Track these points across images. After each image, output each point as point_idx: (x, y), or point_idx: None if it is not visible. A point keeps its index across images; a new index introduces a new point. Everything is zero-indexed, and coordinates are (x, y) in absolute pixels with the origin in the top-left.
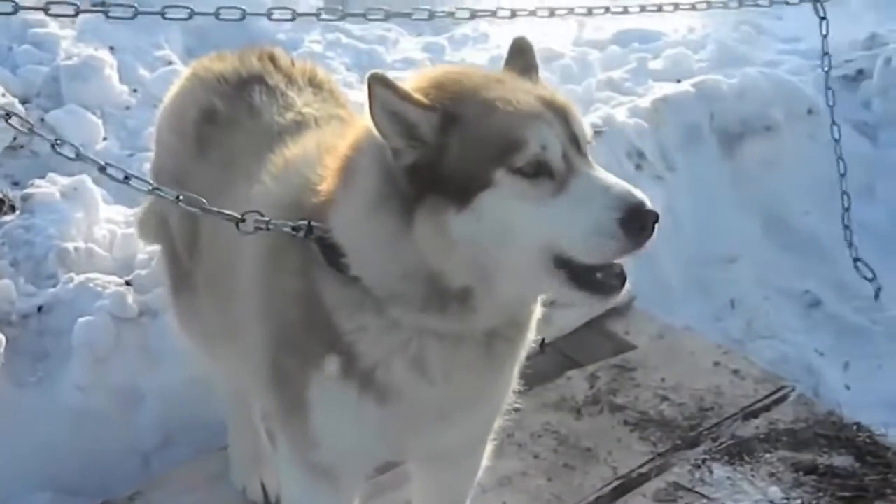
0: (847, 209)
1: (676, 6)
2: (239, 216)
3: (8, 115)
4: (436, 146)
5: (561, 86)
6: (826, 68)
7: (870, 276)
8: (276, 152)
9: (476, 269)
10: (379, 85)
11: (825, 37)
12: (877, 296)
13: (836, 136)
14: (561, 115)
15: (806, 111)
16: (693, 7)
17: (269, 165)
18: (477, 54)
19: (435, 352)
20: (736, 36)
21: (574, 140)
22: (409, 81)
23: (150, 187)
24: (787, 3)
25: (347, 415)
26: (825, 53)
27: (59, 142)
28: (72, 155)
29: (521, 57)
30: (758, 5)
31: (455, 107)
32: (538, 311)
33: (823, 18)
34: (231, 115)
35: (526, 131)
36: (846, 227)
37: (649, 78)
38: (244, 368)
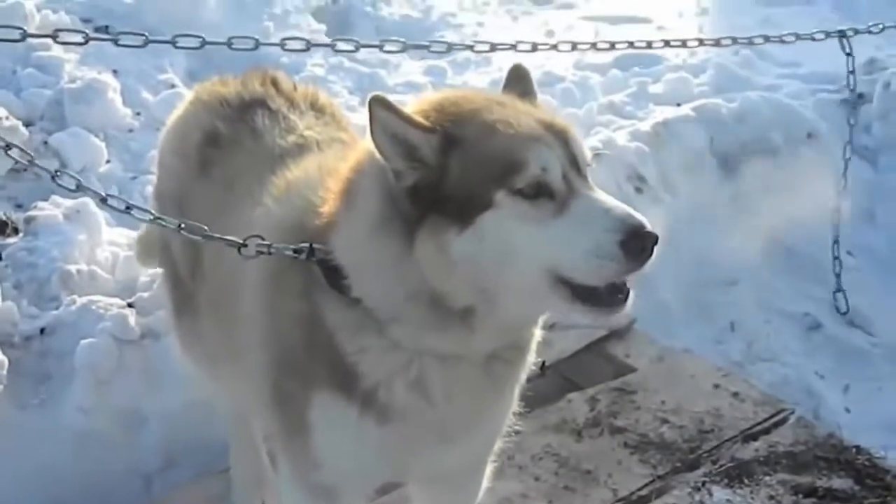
0: (836, 242)
1: (701, 42)
2: (240, 241)
3: (8, 147)
4: (437, 167)
5: (562, 109)
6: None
7: (844, 310)
8: (278, 174)
9: (477, 288)
10: (379, 107)
11: (851, 72)
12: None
13: (844, 171)
14: (561, 137)
15: (805, 135)
16: (717, 43)
17: (271, 188)
18: (479, 77)
19: (436, 373)
20: (736, 60)
21: (574, 162)
22: (411, 105)
23: (152, 217)
24: (813, 40)
25: (348, 436)
26: (852, 90)
27: (59, 172)
28: (72, 186)
29: (519, 83)
30: (783, 42)
31: (455, 129)
32: (538, 333)
33: (849, 55)
34: (233, 138)
35: (526, 153)
36: (836, 258)
37: (650, 102)
38: (246, 390)
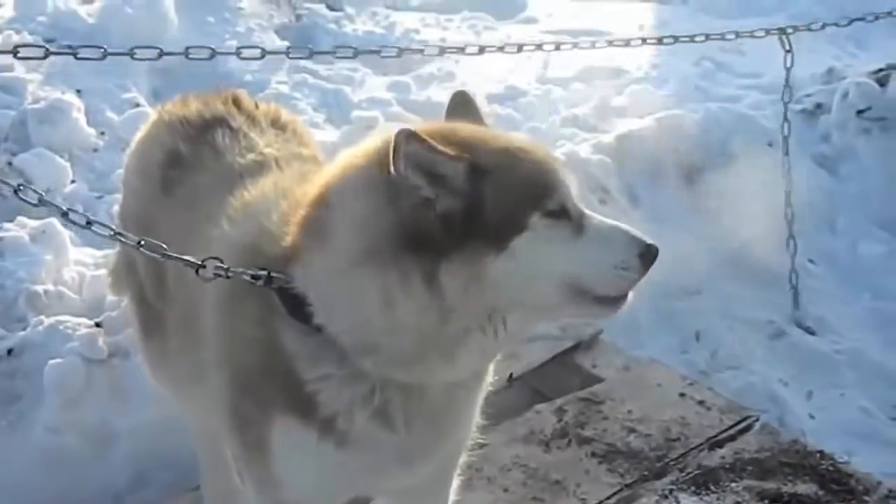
0: (794, 255)
1: (643, 41)
2: (198, 262)
3: None
4: (466, 194)
5: (525, 123)
6: (786, 100)
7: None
8: (235, 195)
9: (490, 309)
10: (410, 141)
11: (789, 69)
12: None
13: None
14: (561, 162)
15: (766, 144)
16: (659, 41)
17: (228, 208)
18: (443, 93)
19: (398, 401)
20: (697, 72)
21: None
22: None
23: (112, 232)
24: (753, 37)
25: (308, 458)
26: (786, 85)
27: (21, 187)
28: (34, 201)
29: (465, 109)
30: (723, 38)
31: (478, 157)
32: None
33: (789, 51)
34: (194, 158)
35: (554, 177)
36: (793, 272)
37: (612, 114)
38: (211, 409)
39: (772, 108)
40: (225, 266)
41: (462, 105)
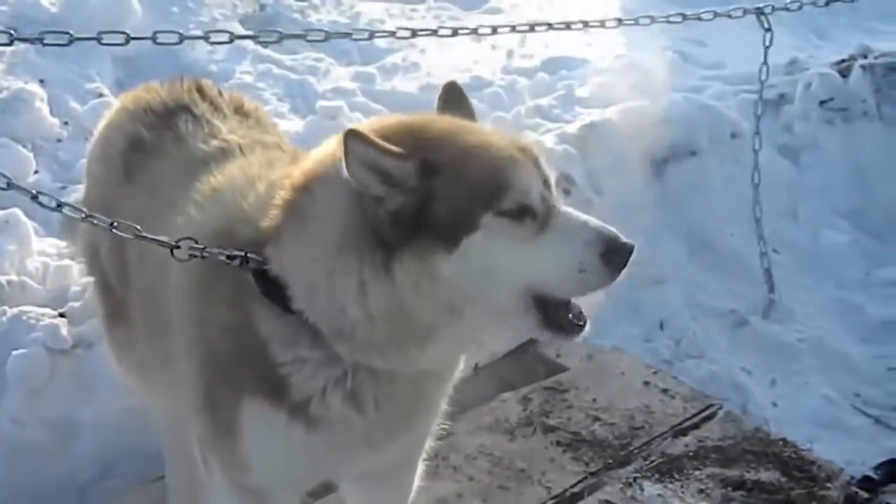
0: (762, 237)
1: (620, 21)
2: (173, 243)
3: None
4: (417, 193)
5: (490, 113)
6: (764, 79)
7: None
8: (201, 180)
9: (451, 309)
10: (355, 142)
11: (768, 47)
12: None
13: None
14: (532, 158)
15: (729, 135)
16: (636, 22)
17: (194, 194)
18: (407, 83)
19: (369, 387)
20: (661, 62)
21: (546, 181)
22: (372, 129)
23: (84, 214)
24: (730, 17)
25: (276, 441)
26: (764, 62)
27: None
28: (3, 185)
29: (457, 102)
30: (700, 19)
31: (433, 154)
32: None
33: (768, 30)
34: (157, 145)
35: (509, 175)
36: (763, 255)
37: (577, 105)
38: (178, 396)
39: (734, 98)
40: (201, 246)
41: (453, 97)
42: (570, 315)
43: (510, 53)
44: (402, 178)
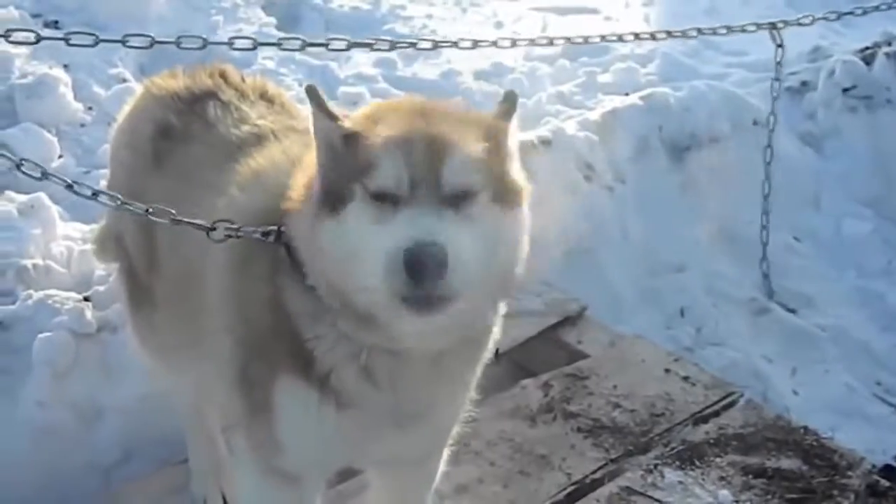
0: (765, 226)
1: (636, 36)
2: (208, 225)
3: None
4: (341, 159)
5: None
6: (775, 95)
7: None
8: (242, 163)
9: (335, 288)
10: (313, 99)
11: (779, 63)
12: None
13: (768, 159)
14: (431, 152)
15: (751, 122)
16: (652, 37)
17: (235, 176)
18: (428, 69)
19: (383, 364)
20: (683, 49)
21: (433, 177)
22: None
23: (119, 202)
24: (745, 32)
25: (310, 419)
26: (776, 79)
27: (24, 161)
28: (37, 174)
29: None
30: (715, 33)
31: (361, 128)
32: (496, 331)
33: (780, 46)
34: (186, 130)
35: (381, 158)
36: (764, 228)
37: (598, 91)
38: (209, 378)
39: (757, 85)
40: (235, 226)
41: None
42: (427, 293)
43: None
44: (334, 142)
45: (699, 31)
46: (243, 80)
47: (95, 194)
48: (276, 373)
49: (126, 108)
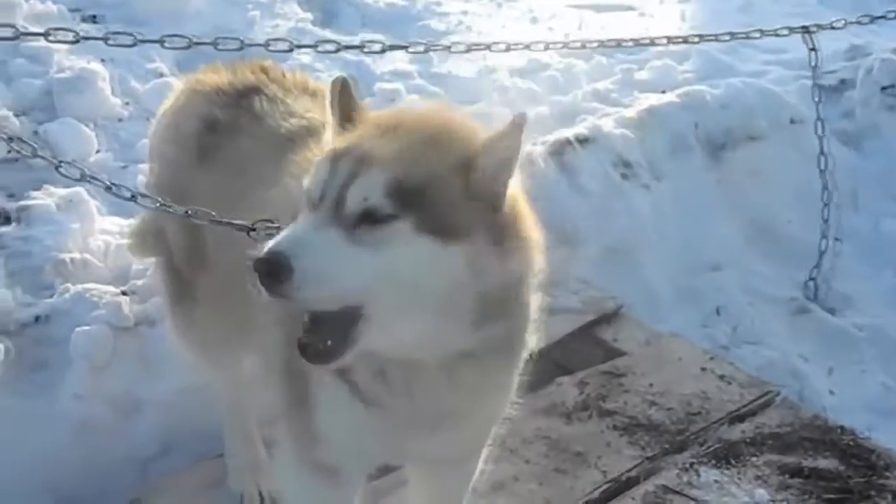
0: (826, 220)
1: (669, 40)
2: (249, 226)
3: (10, 139)
4: None
5: (547, 96)
6: (817, 100)
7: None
8: (295, 155)
9: None
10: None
11: (815, 67)
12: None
13: (823, 165)
14: (349, 170)
15: (789, 121)
16: (685, 41)
17: (290, 168)
18: (464, 66)
19: (396, 368)
20: (720, 47)
21: (339, 196)
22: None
23: (159, 204)
24: (778, 35)
25: (343, 413)
26: (815, 84)
27: (62, 163)
28: (76, 176)
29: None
30: (748, 37)
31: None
32: (532, 339)
33: (812, 49)
34: (232, 124)
35: (315, 166)
36: (823, 237)
37: (635, 89)
38: (254, 372)
39: (795, 83)
40: (276, 225)
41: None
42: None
43: (567, 36)
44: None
45: (732, 35)
46: (284, 75)
47: (134, 197)
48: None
49: (168, 104)
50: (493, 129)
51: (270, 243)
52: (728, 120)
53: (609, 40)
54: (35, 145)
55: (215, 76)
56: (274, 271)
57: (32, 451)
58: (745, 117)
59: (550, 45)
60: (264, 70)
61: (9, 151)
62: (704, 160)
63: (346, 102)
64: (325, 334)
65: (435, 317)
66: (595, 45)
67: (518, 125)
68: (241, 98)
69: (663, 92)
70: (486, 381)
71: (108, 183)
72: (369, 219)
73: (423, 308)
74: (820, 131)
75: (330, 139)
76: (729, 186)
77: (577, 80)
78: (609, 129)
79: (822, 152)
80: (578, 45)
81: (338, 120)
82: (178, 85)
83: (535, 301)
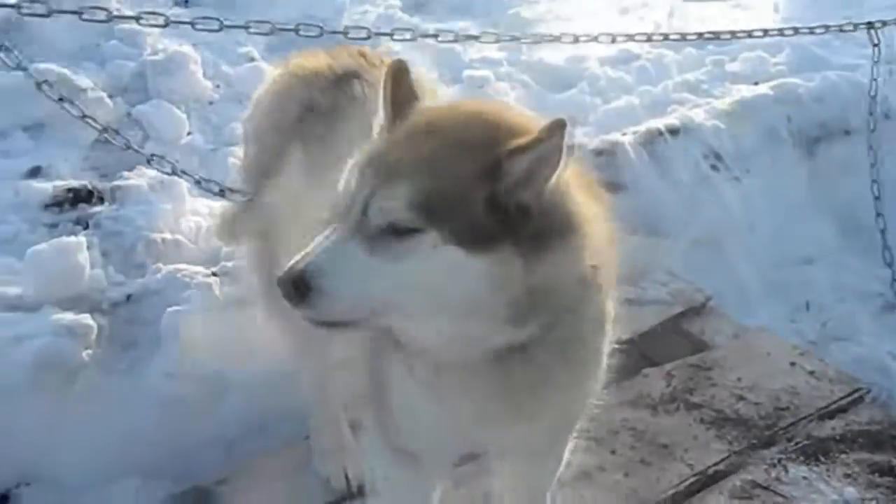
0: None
1: (733, 34)
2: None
3: (105, 130)
4: None
5: (637, 87)
6: (873, 93)
7: None
8: None
9: None
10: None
11: (876, 63)
12: None
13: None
14: (374, 181)
15: (883, 115)
16: (749, 35)
17: None
18: (554, 54)
19: (449, 366)
20: (814, 39)
21: (363, 208)
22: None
23: (247, 197)
24: (842, 31)
25: (413, 403)
26: (873, 79)
27: (154, 156)
28: (167, 170)
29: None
30: (813, 33)
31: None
32: (594, 334)
33: (876, 45)
34: (333, 108)
35: (346, 173)
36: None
37: (726, 80)
38: (340, 356)
39: (891, 77)
40: None
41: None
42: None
43: (658, 26)
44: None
45: (795, 30)
46: (382, 60)
47: (223, 191)
48: (391, 357)
49: (266, 88)
50: (533, 131)
51: (294, 259)
52: (821, 113)
53: (707, 32)
54: (128, 139)
55: (314, 60)
56: (296, 290)
57: (121, 428)
58: (838, 111)
59: (652, 37)
60: (363, 55)
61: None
62: (796, 154)
63: (400, 91)
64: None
65: (460, 320)
66: (694, 37)
67: (553, 130)
68: (341, 82)
69: (756, 84)
70: (541, 377)
71: (197, 177)
72: (392, 231)
73: (447, 314)
74: (872, 126)
75: (374, 134)
76: (821, 181)
77: (667, 70)
78: (700, 120)
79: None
80: (677, 36)
81: (389, 112)
82: (276, 69)
83: (598, 297)
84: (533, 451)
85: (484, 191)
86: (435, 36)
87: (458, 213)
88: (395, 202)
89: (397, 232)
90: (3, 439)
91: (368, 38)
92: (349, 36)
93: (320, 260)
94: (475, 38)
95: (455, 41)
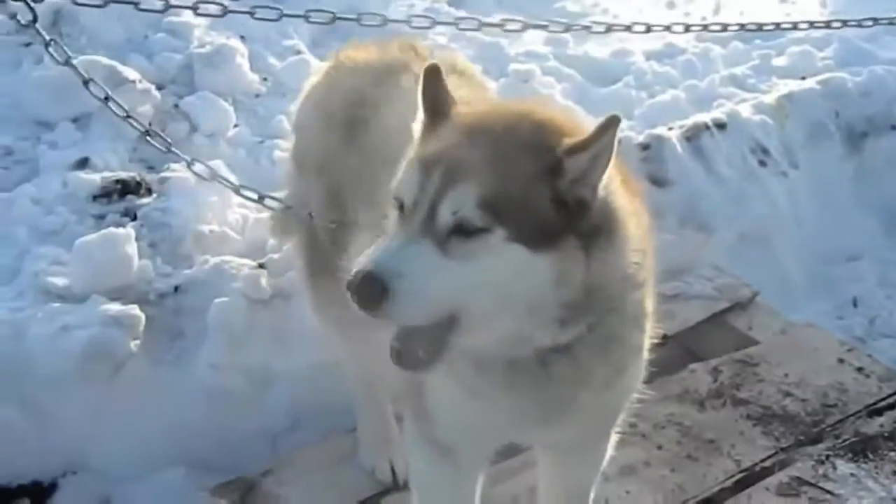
0: None
1: (777, 26)
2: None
3: (147, 133)
4: None
5: (683, 81)
6: None
7: None
8: None
9: None
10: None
11: None
12: None
13: None
14: (440, 181)
15: None
16: (794, 27)
17: None
18: (599, 48)
19: (492, 363)
20: (861, 34)
21: (431, 208)
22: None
23: (284, 206)
24: (891, 24)
25: (453, 402)
26: None
27: (195, 160)
28: (206, 176)
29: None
30: (861, 26)
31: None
32: (633, 332)
33: None
34: (381, 101)
35: (404, 172)
36: None
37: (773, 75)
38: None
39: None
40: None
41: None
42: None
43: (703, 20)
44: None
45: (843, 22)
46: (432, 53)
47: (261, 198)
48: None
49: (315, 80)
50: (586, 129)
51: (364, 260)
52: (869, 108)
53: (750, 23)
54: (169, 141)
55: (364, 53)
56: (370, 292)
57: (167, 419)
58: (886, 106)
59: (690, 28)
60: (412, 48)
61: (150, 123)
62: (844, 149)
63: (436, 93)
64: (419, 341)
65: (521, 319)
66: (735, 28)
67: (606, 127)
68: (389, 75)
69: (803, 78)
70: (582, 375)
71: (236, 185)
72: (461, 231)
73: (512, 312)
74: None
75: (417, 134)
76: (869, 176)
77: (713, 64)
78: (747, 114)
79: None
80: (718, 28)
81: (428, 113)
82: (324, 62)
83: (639, 295)
84: (573, 446)
85: (547, 188)
86: (500, 25)
87: (524, 211)
88: (466, 202)
89: (465, 232)
90: (51, 429)
91: (432, 27)
92: (412, 25)
93: (395, 261)
94: (542, 27)
95: (522, 30)
